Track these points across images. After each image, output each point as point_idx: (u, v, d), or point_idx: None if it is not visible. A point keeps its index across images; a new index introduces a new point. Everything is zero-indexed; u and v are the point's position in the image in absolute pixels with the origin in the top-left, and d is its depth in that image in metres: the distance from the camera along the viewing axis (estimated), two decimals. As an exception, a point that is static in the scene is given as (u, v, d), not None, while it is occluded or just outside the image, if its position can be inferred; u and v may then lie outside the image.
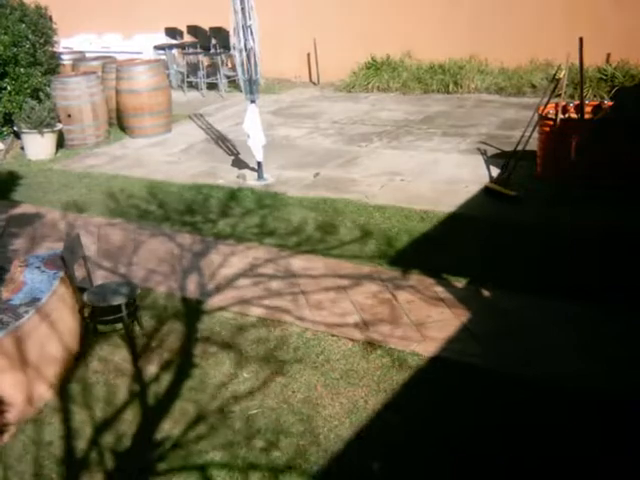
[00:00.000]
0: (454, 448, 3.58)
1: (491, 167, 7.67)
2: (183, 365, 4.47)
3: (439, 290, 5.16)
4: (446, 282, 5.27)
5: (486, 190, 6.99)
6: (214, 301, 5.23)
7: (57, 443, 3.83)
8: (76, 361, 4.53)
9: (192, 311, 5.12)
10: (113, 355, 4.64)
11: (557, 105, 7.46)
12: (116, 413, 4.04)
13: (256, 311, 5.06)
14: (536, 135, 7.26)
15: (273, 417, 3.91)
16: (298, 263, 5.76)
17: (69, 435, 3.89)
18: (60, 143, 9.76)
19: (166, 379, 4.34)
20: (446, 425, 3.77)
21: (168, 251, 6.19)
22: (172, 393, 4.20)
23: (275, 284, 5.44)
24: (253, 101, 7.69)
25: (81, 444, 3.81)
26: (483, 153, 8.21)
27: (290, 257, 5.88)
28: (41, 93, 9.72)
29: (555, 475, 3.39)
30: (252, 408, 4.01)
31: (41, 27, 10.41)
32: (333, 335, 4.67)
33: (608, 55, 10.37)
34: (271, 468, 3.55)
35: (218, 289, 5.41)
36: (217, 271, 5.71)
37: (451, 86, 11.45)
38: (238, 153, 8.92)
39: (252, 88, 7.65)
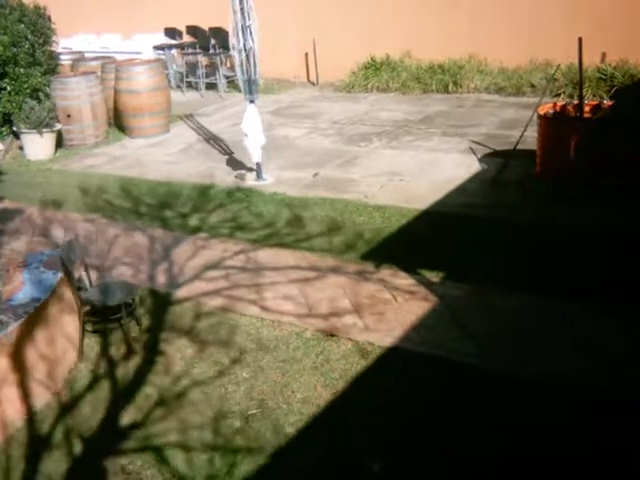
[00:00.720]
0: (445, 446, 3.57)
1: (490, 166, 7.66)
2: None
3: (433, 289, 5.15)
4: (440, 281, 5.26)
5: None
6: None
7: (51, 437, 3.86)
8: (74, 360, 4.54)
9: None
10: (110, 354, 4.64)
11: (556, 105, 7.46)
12: (111, 409, 4.07)
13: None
14: (535, 135, 7.26)
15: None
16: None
17: (66, 432, 3.92)
18: (59, 143, 9.76)
19: (163, 378, 4.35)
20: (438, 424, 3.77)
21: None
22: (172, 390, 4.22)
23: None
24: (252, 101, 7.68)
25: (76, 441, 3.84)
26: (482, 153, 8.20)
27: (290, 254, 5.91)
28: (40, 93, 9.72)
29: (553, 476, 3.39)
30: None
31: (40, 27, 10.41)
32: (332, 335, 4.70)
33: (604, 55, 10.35)
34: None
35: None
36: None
37: (450, 86, 11.45)
38: (236, 153, 8.91)
39: (251, 88, 7.65)
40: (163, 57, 13.19)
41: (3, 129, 9.93)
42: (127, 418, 4.00)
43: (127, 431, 3.89)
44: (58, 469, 3.64)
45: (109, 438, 3.85)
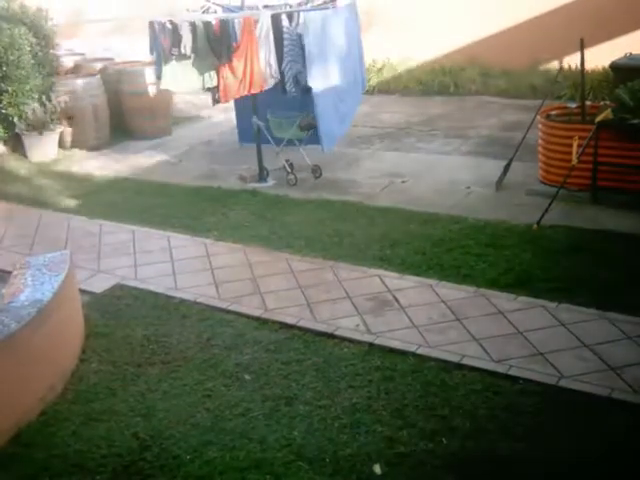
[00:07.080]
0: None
1: (492, 169, 7.64)
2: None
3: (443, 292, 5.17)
4: (449, 283, 5.27)
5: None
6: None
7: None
8: (76, 362, 4.54)
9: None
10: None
11: (559, 107, 7.45)
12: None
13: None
14: (537, 137, 7.24)
15: None
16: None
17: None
18: (61, 145, 9.75)
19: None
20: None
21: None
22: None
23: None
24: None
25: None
26: (484, 155, 8.20)
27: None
28: (42, 95, 9.71)
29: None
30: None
31: (42, 29, 10.40)
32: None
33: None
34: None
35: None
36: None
37: (452, 88, 11.45)
38: (239, 155, 8.91)
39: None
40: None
41: (5, 131, 9.91)
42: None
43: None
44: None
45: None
